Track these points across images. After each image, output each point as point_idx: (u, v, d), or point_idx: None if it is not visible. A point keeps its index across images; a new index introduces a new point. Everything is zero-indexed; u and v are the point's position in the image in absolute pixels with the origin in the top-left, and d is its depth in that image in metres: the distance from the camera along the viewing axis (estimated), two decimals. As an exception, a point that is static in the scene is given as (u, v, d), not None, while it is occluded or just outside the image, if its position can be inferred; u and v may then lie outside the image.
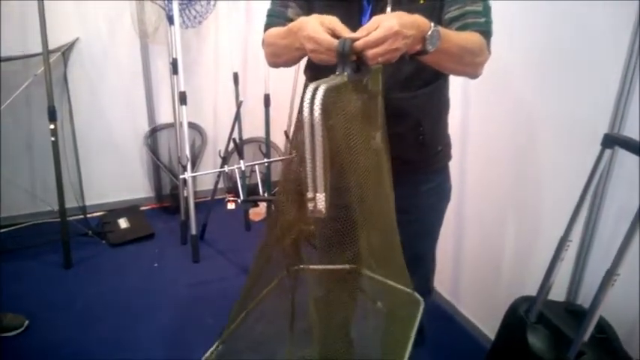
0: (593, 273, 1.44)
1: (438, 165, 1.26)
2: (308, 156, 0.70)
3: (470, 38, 0.98)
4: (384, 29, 0.79)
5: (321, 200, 0.75)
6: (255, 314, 0.98)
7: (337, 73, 0.80)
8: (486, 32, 1.02)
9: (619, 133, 1.30)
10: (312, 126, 0.68)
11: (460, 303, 2.09)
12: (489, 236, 1.87)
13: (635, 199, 1.20)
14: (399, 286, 0.98)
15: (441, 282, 2.16)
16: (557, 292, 1.48)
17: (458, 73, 1.07)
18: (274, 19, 1.15)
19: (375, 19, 0.82)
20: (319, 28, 0.88)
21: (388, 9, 1.04)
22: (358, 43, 0.80)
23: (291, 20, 1.12)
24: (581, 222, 1.38)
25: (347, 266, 0.92)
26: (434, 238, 1.35)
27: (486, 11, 1.03)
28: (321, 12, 1.10)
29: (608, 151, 1.24)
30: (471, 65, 1.02)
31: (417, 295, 1.06)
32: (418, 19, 0.84)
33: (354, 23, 1.08)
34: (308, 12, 1.16)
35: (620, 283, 1.14)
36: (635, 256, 1.21)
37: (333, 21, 0.89)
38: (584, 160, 1.30)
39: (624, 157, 1.30)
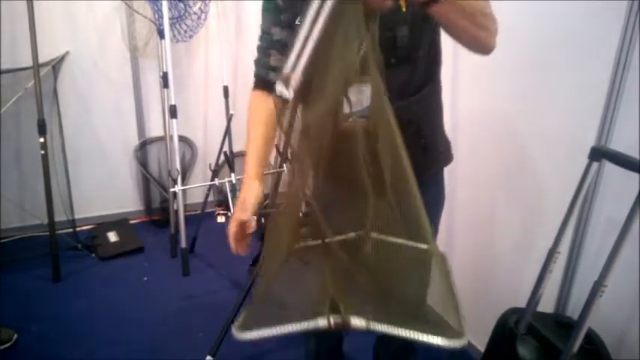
0: (582, 284, 1.45)
1: (441, 166, 1.28)
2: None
3: (479, 1, 0.92)
4: None
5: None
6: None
7: None
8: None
9: (606, 146, 1.32)
10: None
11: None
12: (478, 247, 1.88)
13: (622, 210, 1.21)
14: (412, 244, 0.90)
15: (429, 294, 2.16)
16: (547, 304, 1.49)
17: (471, 40, 0.97)
18: (261, 69, 1.19)
19: None
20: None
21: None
22: None
23: (276, 68, 1.16)
24: (569, 234, 1.40)
25: (352, 234, 0.89)
26: None
27: None
28: None
29: (595, 164, 1.26)
30: (484, 29, 0.94)
31: (438, 251, 0.95)
32: None
33: None
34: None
35: (608, 294, 1.16)
36: (623, 267, 1.23)
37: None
38: (572, 172, 1.32)
39: (611, 169, 1.32)
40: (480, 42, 0.96)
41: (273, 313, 0.84)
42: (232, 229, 1.12)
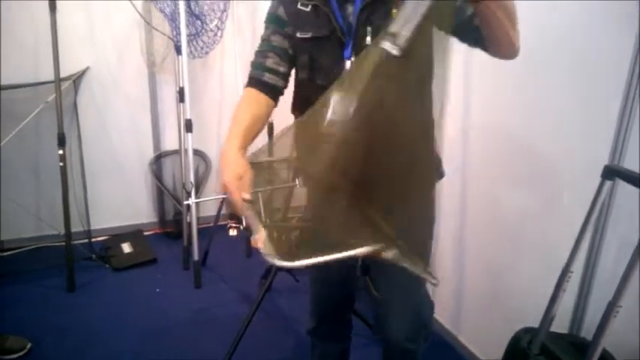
0: (597, 304, 1.43)
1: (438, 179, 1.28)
2: None
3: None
4: None
5: None
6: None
7: None
8: None
9: (619, 165, 1.32)
10: None
11: (461, 332, 2.07)
12: (491, 265, 1.87)
13: (636, 230, 1.21)
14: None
15: (442, 310, 2.14)
16: (561, 324, 1.47)
17: (507, 41, 0.99)
18: (256, 70, 1.21)
19: None
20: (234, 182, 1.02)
21: (368, 38, 1.09)
22: None
23: (271, 70, 1.19)
24: (583, 253, 1.38)
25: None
26: None
27: None
28: (307, 50, 1.17)
29: (608, 183, 1.26)
30: (516, 30, 0.97)
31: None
32: None
33: (338, 57, 1.13)
34: (294, 53, 1.21)
35: (623, 314, 1.14)
36: (638, 287, 1.21)
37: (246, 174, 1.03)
38: (586, 190, 1.31)
39: (625, 188, 1.31)
40: (513, 43, 1.00)
41: (316, 246, 0.92)
42: (238, 204, 1.03)
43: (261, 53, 1.21)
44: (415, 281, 1.28)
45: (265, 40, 1.22)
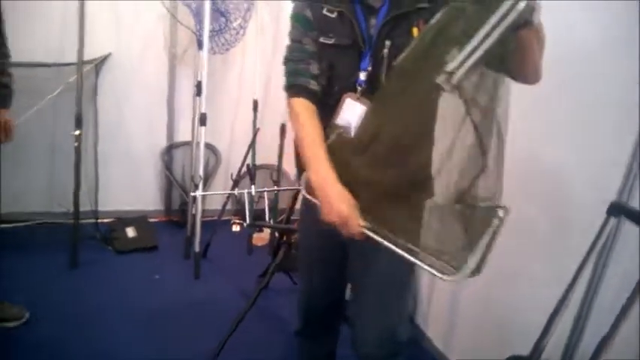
0: (592, 335, 1.42)
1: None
2: None
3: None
4: None
5: None
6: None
7: None
8: None
9: (626, 202, 1.31)
10: None
11: (453, 354, 2.07)
12: (487, 289, 1.86)
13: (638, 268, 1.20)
14: None
15: (435, 330, 2.14)
16: (554, 354, 1.47)
17: (533, 65, 1.01)
18: (301, 77, 1.20)
19: None
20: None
21: (385, 51, 1.10)
22: None
23: (315, 77, 1.19)
24: (581, 287, 1.38)
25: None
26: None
27: None
28: (328, 57, 1.18)
29: (613, 220, 1.25)
30: (541, 58, 1.00)
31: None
32: None
33: (355, 67, 1.14)
34: (319, 59, 1.20)
35: (614, 348, 1.14)
36: (631, 323, 1.21)
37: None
38: (590, 224, 1.31)
39: (630, 226, 1.29)
40: (539, 68, 1.02)
41: None
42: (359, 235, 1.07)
43: (301, 60, 1.19)
44: (390, 298, 1.30)
45: (297, 42, 1.20)
